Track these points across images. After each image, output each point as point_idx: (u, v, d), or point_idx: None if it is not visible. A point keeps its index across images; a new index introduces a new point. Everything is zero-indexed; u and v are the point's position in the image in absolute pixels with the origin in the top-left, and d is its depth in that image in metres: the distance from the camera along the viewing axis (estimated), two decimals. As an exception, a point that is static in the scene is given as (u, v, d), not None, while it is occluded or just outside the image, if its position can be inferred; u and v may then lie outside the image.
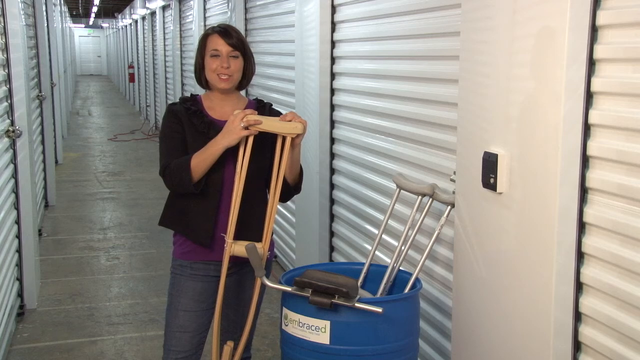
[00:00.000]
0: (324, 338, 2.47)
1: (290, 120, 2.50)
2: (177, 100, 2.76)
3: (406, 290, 2.71)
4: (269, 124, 2.50)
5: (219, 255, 2.61)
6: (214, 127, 2.57)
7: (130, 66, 18.59)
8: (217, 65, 2.58)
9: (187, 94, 2.82)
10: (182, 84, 10.95)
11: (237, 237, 2.55)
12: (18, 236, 4.55)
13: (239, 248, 2.52)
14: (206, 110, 2.64)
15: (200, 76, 2.66)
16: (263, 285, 2.61)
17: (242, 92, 2.88)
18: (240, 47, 2.61)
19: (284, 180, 2.60)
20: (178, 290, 2.67)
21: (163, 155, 2.61)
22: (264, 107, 2.72)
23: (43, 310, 4.57)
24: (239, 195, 2.51)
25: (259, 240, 2.57)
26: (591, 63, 2.01)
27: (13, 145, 4.52)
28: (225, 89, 2.61)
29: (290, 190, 2.69)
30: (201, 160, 2.50)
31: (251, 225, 2.61)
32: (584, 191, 2.08)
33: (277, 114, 2.71)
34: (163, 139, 2.65)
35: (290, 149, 2.53)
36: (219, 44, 2.58)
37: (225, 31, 2.61)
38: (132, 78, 18.13)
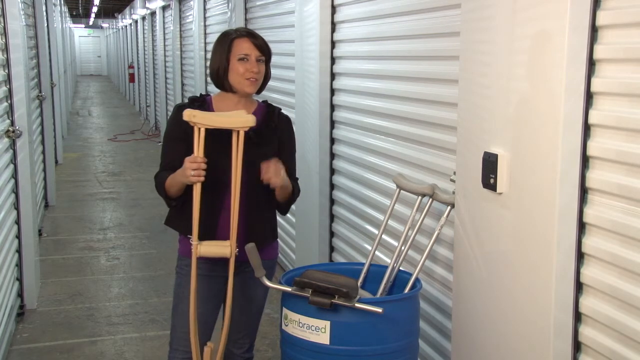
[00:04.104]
0: (324, 338, 2.47)
1: (272, 170, 2.49)
2: (186, 100, 2.75)
3: (406, 291, 2.71)
4: (220, 120, 2.47)
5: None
6: (220, 129, 2.57)
7: (130, 66, 18.58)
8: (245, 69, 2.57)
9: (187, 94, 2.83)
10: (182, 84, 10.94)
11: (244, 241, 2.56)
12: (18, 236, 4.55)
13: (205, 249, 2.52)
14: (215, 111, 2.63)
15: (223, 79, 2.61)
16: (265, 286, 2.62)
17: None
18: (266, 51, 2.63)
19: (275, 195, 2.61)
20: (183, 292, 2.67)
21: (161, 158, 2.67)
22: (273, 112, 2.71)
23: (43, 310, 4.57)
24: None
25: (264, 244, 2.58)
26: (591, 63, 2.01)
27: (13, 145, 4.52)
28: (250, 93, 2.62)
29: (280, 205, 2.71)
30: (171, 186, 2.56)
31: (257, 229, 2.62)
32: (584, 191, 2.08)
33: (286, 119, 2.74)
34: (164, 142, 2.70)
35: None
36: (249, 49, 2.58)
37: (251, 34, 2.62)
38: (132, 78, 18.12)
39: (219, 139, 2.52)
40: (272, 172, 2.49)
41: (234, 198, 2.50)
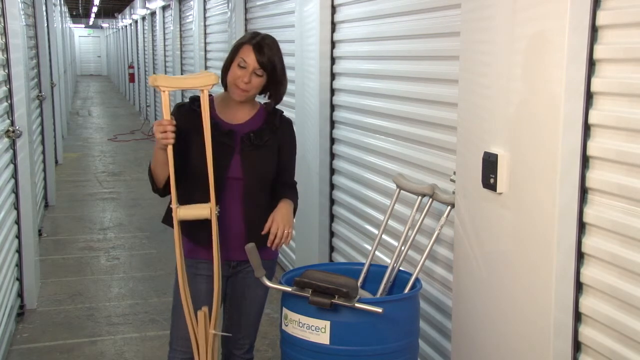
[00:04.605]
0: (324, 338, 2.47)
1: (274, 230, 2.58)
2: (186, 100, 2.76)
3: (406, 291, 2.71)
4: (182, 82, 2.50)
5: (223, 255, 2.61)
6: (218, 129, 2.57)
7: (130, 66, 18.59)
8: (240, 74, 2.57)
9: (187, 94, 2.83)
10: (182, 84, 10.93)
11: (245, 240, 2.56)
12: (18, 236, 4.55)
13: (184, 212, 2.51)
14: (216, 111, 2.64)
15: (223, 77, 2.65)
16: (265, 286, 2.61)
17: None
18: (268, 67, 2.58)
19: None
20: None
21: None
22: (274, 114, 2.71)
23: (43, 310, 4.57)
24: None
25: (264, 244, 2.58)
26: (591, 63, 2.01)
27: (13, 145, 4.52)
28: (236, 100, 2.62)
29: None
30: (155, 165, 2.57)
31: (256, 230, 2.61)
32: (584, 191, 2.08)
33: (288, 122, 2.75)
34: None
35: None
36: (249, 57, 2.56)
37: (259, 46, 2.58)
38: (132, 78, 18.13)
39: (221, 138, 2.55)
40: (279, 237, 2.58)
41: (209, 162, 2.49)
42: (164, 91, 2.44)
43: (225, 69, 2.62)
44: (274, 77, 2.62)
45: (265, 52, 2.58)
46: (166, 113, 2.46)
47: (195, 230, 2.60)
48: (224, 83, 2.65)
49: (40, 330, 4.26)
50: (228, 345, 2.83)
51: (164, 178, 2.58)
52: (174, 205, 2.51)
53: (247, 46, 2.59)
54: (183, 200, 2.60)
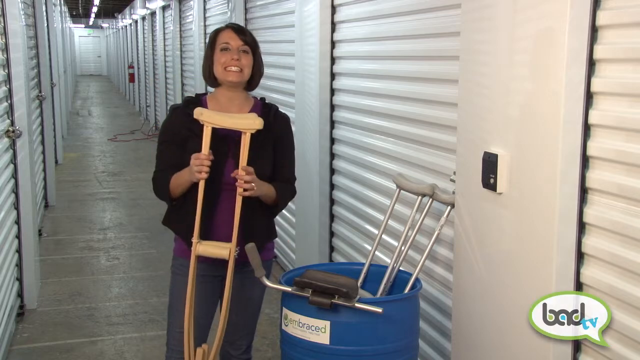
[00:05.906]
0: (323, 338, 2.47)
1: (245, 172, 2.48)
2: (181, 101, 2.74)
3: (406, 291, 2.71)
4: (225, 121, 2.47)
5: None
6: (214, 132, 2.55)
7: (130, 66, 18.60)
8: (226, 58, 2.56)
9: (188, 94, 2.80)
10: (182, 84, 10.95)
11: (242, 242, 2.54)
12: (18, 236, 4.55)
13: (203, 248, 2.51)
14: (225, 113, 2.62)
15: (209, 73, 2.62)
16: (262, 287, 2.61)
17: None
18: (252, 44, 2.61)
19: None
20: (178, 291, 2.65)
21: (156, 161, 2.66)
22: (269, 111, 2.67)
23: (43, 310, 4.57)
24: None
25: (262, 245, 2.57)
26: (591, 63, 2.02)
27: (13, 145, 4.52)
28: (234, 83, 2.57)
29: (270, 207, 2.69)
30: (177, 186, 2.56)
31: (254, 231, 2.61)
32: (584, 191, 2.08)
33: (283, 117, 2.71)
34: (159, 144, 2.67)
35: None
36: (230, 38, 2.58)
37: (238, 27, 2.63)
38: (132, 78, 18.13)
39: (214, 139, 2.50)
40: (242, 184, 2.46)
41: (238, 201, 2.49)
42: (207, 126, 2.44)
43: (209, 64, 2.61)
44: (257, 55, 2.63)
45: (246, 31, 2.63)
46: (205, 148, 2.44)
47: (191, 232, 2.58)
48: (212, 79, 2.63)
49: (40, 330, 4.26)
50: (225, 346, 2.82)
51: (180, 195, 2.58)
52: (194, 240, 2.51)
53: (223, 32, 2.61)
54: (177, 203, 2.60)
